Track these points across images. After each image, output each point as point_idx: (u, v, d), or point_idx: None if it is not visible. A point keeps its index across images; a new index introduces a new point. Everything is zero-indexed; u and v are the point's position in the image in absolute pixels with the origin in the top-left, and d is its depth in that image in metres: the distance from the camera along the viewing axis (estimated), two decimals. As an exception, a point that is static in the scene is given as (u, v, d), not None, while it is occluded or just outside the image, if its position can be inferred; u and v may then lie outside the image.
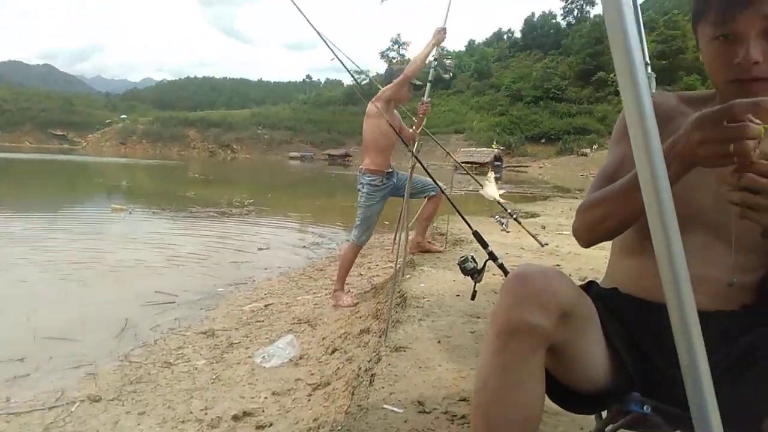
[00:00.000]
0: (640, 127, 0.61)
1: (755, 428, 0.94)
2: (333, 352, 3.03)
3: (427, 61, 3.92)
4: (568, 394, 1.05)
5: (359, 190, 4.15)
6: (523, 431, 0.92)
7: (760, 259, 1.02)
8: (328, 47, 2.17)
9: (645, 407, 1.02)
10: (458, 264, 2.40)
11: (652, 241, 0.68)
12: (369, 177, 4.06)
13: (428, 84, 3.83)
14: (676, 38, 55.64)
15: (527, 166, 51.92)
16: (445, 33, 3.77)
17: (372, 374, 1.93)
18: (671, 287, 0.67)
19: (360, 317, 3.43)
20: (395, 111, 4.26)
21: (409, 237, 4.10)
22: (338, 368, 2.72)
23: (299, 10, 1.98)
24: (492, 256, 2.45)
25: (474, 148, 53.35)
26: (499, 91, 73.58)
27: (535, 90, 68.95)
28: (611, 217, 1.04)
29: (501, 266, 2.40)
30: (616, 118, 1.22)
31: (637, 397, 1.03)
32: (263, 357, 2.99)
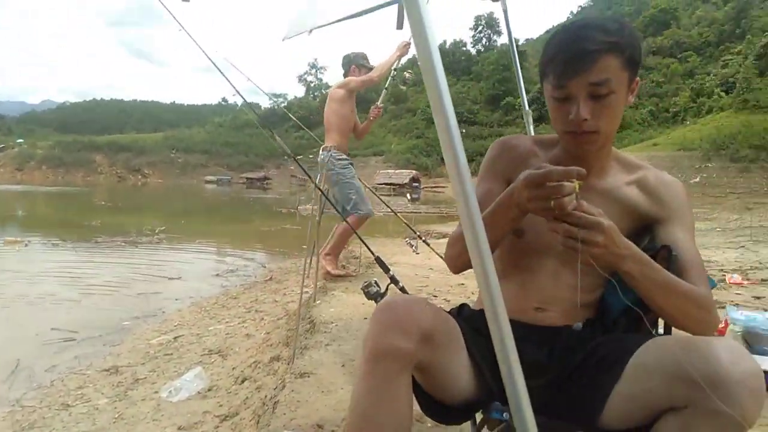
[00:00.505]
0: (455, 167, 0.74)
1: (594, 421, 1.10)
2: (243, 381, 3.02)
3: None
4: (440, 408, 1.17)
5: (330, 170, 4.15)
6: None
7: (597, 281, 1.20)
8: (223, 75, 2.21)
9: (504, 414, 1.16)
10: (362, 289, 2.50)
11: (473, 267, 0.81)
12: (337, 153, 4.16)
13: (384, 91, 3.99)
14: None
15: (444, 187, 53.51)
16: (409, 46, 3.96)
17: (275, 402, 1.97)
18: (490, 307, 0.80)
19: (271, 345, 3.44)
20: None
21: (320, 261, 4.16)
22: (247, 398, 2.72)
23: (191, 37, 2.03)
24: (393, 280, 2.58)
25: (392, 170, 54.41)
26: (415, 114, 75.70)
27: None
28: (466, 252, 1.23)
29: (402, 289, 2.54)
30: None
31: (497, 406, 1.16)
32: (170, 391, 2.93)
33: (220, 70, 2.15)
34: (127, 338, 4.22)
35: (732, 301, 3.84)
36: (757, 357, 2.51)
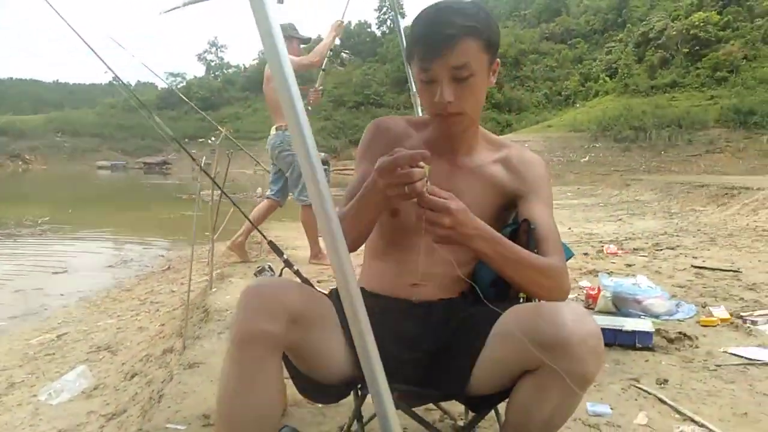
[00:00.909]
0: (306, 157, 0.74)
1: (463, 389, 1.16)
2: (132, 377, 2.87)
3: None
4: (316, 388, 1.19)
5: (285, 150, 4.10)
6: (262, 427, 1.03)
7: (471, 255, 1.26)
8: (101, 60, 2.06)
9: (379, 389, 1.20)
10: (254, 274, 2.46)
11: (327, 250, 0.82)
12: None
13: (321, 72, 3.97)
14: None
15: (353, 169, 53.59)
16: (343, 25, 3.95)
17: (161, 395, 1.90)
18: (343, 284, 0.81)
19: (164, 337, 3.30)
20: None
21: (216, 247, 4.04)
22: (136, 393, 2.59)
23: (54, 10, 1.87)
24: (287, 264, 2.55)
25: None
26: (322, 95, 74.63)
27: (356, 95, 71.38)
28: (348, 234, 1.25)
29: (297, 273, 2.52)
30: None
31: (372, 380, 1.20)
32: (50, 393, 2.72)
33: (87, 44, 1.99)
34: (3, 339, 3.86)
35: (607, 269, 4.21)
36: (621, 317, 2.78)
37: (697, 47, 36.62)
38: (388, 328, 1.26)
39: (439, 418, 1.75)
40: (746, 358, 2.30)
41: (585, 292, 3.32)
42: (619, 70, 42.24)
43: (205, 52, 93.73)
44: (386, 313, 1.26)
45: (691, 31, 37.09)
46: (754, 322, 2.76)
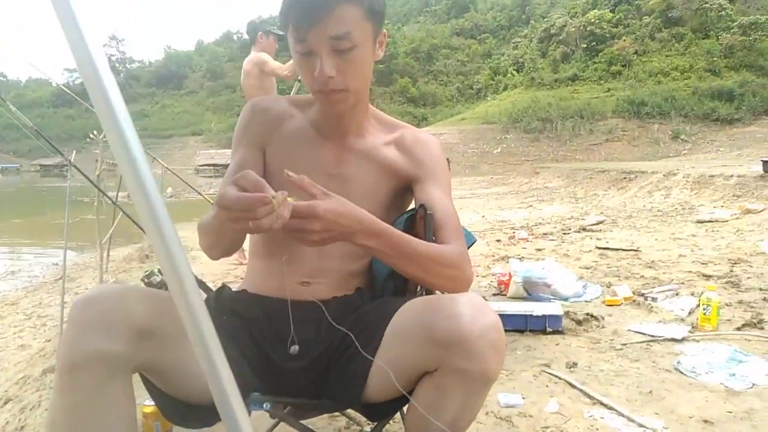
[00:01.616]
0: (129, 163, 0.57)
1: (358, 398, 1.03)
2: (6, 403, 2.52)
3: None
4: (185, 410, 1.00)
5: None
6: None
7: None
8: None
9: (265, 404, 1.04)
10: (141, 279, 2.21)
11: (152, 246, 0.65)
12: None
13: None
14: (389, 45, 62.50)
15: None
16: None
17: (22, 425, 1.63)
18: (179, 292, 0.64)
19: (45, 355, 2.94)
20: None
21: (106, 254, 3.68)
22: (7, 422, 2.26)
23: None
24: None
25: (215, 150, 51.61)
26: (235, 91, 72.43)
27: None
28: (218, 245, 1.11)
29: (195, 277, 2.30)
30: None
31: (257, 397, 1.04)
32: None
33: None
34: None
35: (519, 255, 4.26)
36: (532, 302, 2.78)
37: (594, 43, 38.96)
38: (274, 333, 1.11)
39: (345, 425, 1.62)
40: (648, 335, 2.35)
41: (497, 278, 3.31)
42: (526, 65, 44.12)
43: (104, 45, 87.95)
44: (272, 317, 1.11)
45: (588, 28, 39.42)
46: (654, 299, 2.86)
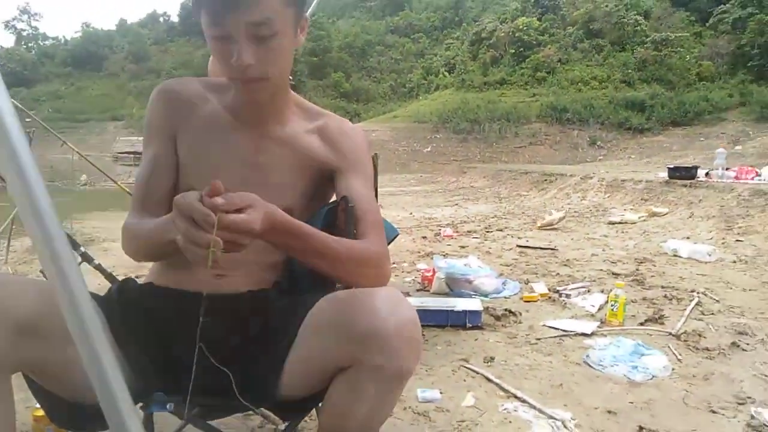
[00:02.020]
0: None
1: (274, 395, 0.98)
2: None
3: None
4: (77, 412, 0.92)
5: None
6: None
7: None
8: None
9: (168, 405, 0.98)
10: (41, 271, 2.03)
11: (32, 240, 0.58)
12: None
13: None
14: (323, 38, 61.98)
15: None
16: None
17: None
18: (63, 293, 0.58)
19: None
20: None
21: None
22: None
23: None
24: (86, 258, 2.17)
25: (136, 137, 49.09)
26: (160, 76, 69.13)
27: (197, 77, 67.40)
28: (149, 254, 1.05)
29: (98, 267, 2.15)
30: None
31: (160, 397, 0.97)
32: None
33: None
34: None
35: (443, 252, 4.33)
36: (454, 298, 2.83)
37: (522, 49, 40.45)
38: (183, 329, 1.04)
39: (258, 424, 1.57)
40: (561, 330, 2.45)
41: (421, 274, 3.35)
42: (457, 66, 45.12)
43: (14, 19, 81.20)
44: (181, 312, 1.04)
45: (516, 34, 40.86)
46: (568, 296, 2.99)
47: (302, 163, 1.12)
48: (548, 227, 5.38)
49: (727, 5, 37.61)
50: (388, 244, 1.35)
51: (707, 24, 38.65)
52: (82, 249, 2.21)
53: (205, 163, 1.09)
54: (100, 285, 2.00)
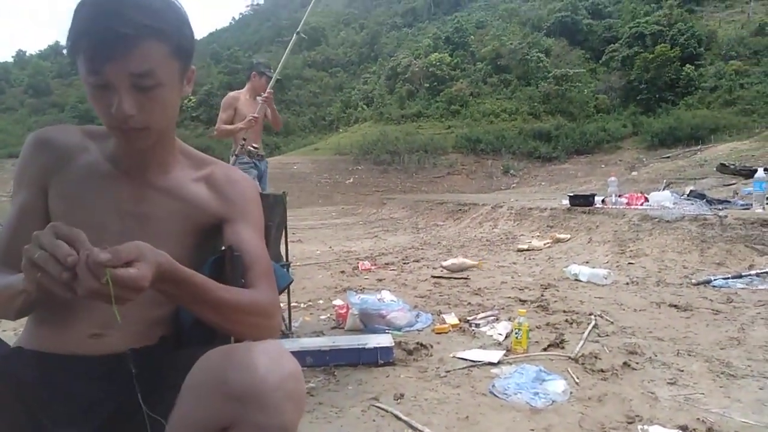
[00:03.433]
0: None
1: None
2: None
3: None
4: None
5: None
6: None
7: None
8: None
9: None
10: None
11: None
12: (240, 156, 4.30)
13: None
14: (239, 71, 61.44)
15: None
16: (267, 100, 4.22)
17: None
18: None
19: None
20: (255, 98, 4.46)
21: None
22: None
23: None
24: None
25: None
26: (63, 111, 65.37)
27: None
28: (8, 309, 0.97)
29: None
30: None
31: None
32: None
33: None
34: None
35: (360, 286, 4.34)
36: (366, 334, 2.83)
37: (436, 83, 42.15)
38: (54, 396, 0.97)
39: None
40: (470, 360, 2.51)
41: (336, 311, 3.33)
42: (375, 100, 46.19)
43: None
44: (54, 376, 0.97)
45: (430, 69, 42.60)
46: (477, 325, 3.08)
47: (188, 213, 1.10)
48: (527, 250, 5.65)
49: (616, 44, 41.29)
50: (282, 291, 1.33)
51: (600, 61, 42.22)
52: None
53: (80, 214, 1.04)
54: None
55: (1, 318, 1.03)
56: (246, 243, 1.09)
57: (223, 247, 1.18)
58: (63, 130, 1.11)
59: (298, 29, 3.96)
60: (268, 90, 4.22)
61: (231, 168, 1.23)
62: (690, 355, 2.49)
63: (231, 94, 4.77)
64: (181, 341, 1.15)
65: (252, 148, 4.36)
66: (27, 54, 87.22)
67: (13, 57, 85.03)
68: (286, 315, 3.08)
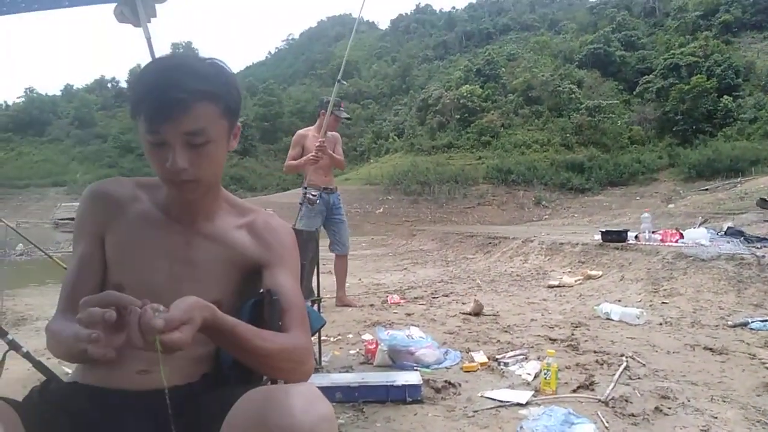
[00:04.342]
0: None
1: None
2: None
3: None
4: None
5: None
6: None
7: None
8: None
9: None
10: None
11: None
12: (310, 187, 4.60)
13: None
14: (274, 104, 63.12)
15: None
16: (322, 150, 4.55)
17: None
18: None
19: None
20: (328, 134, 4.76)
21: None
22: None
23: None
24: (13, 346, 2.10)
25: (78, 203, 47.37)
26: (106, 141, 68.07)
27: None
28: (75, 358, 1.06)
29: (27, 356, 2.08)
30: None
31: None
32: None
33: None
34: None
35: (389, 320, 4.37)
36: (395, 371, 2.86)
37: (467, 114, 42.43)
38: (109, 428, 1.05)
39: None
40: (498, 400, 2.51)
41: (365, 347, 3.37)
42: (405, 131, 46.74)
43: (-48, 83, 79.11)
44: (105, 410, 1.06)
45: (461, 101, 42.94)
46: (506, 364, 3.07)
47: (231, 258, 1.19)
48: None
49: (650, 75, 40.90)
50: (314, 333, 1.41)
51: (634, 93, 41.82)
52: (10, 337, 2.16)
53: (134, 260, 1.14)
54: (29, 370, 1.95)
55: (71, 362, 1.13)
56: (283, 287, 1.17)
57: (261, 290, 1.26)
58: (117, 183, 1.22)
59: (339, 77, 4.18)
60: (320, 139, 4.52)
61: (271, 215, 1.32)
62: (724, 402, 2.44)
63: (300, 131, 5.05)
64: (220, 380, 1.22)
65: (311, 196, 4.63)
66: (74, 87, 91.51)
67: (61, 91, 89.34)
68: (316, 349, 3.14)
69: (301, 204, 4.55)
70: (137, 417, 1.07)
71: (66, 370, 2.62)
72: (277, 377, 1.12)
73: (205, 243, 1.17)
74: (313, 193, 4.62)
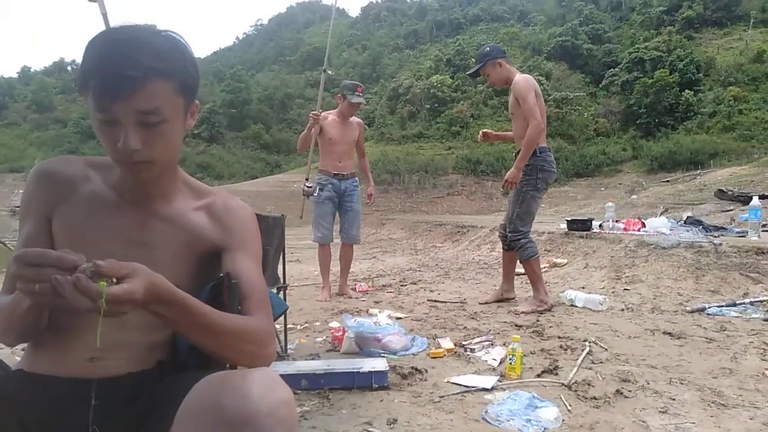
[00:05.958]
0: None
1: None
2: None
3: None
4: None
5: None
6: None
7: None
8: None
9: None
10: None
11: None
12: (319, 174, 4.91)
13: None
14: (241, 90, 62.03)
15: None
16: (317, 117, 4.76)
17: None
18: None
19: None
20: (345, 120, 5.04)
21: None
22: None
23: None
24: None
25: (37, 190, 45.73)
26: (66, 126, 65.86)
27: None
28: (11, 328, 1.01)
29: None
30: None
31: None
32: None
33: None
34: None
35: (356, 308, 4.36)
36: (361, 358, 2.85)
37: (437, 104, 42.63)
38: (56, 418, 1.00)
39: None
40: (464, 386, 2.52)
41: (332, 334, 3.35)
42: (376, 120, 46.59)
43: None
44: (54, 400, 1.01)
45: (431, 90, 43.10)
46: (472, 350, 3.09)
47: (188, 241, 1.14)
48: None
49: (616, 69, 41.73)
50: (277, 318, 1.37)
51: (600, 85, 42.65)
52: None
53: (84, 242, 1.08)
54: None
55: (4, 339, 1.07)
56: (243, 271, 1.14)
57: (221, 275, 1.22)
58: (65, 162, 1.15)
59: (323, 67, 4.20)
60: (316, 110, 4.72)
61: (230, 197, 1.27)
62: (682, 384, 2.51)
63: (322, 113, 5.01)
64: (177, 367, 1.18)
65: (306, 188, 4.77)
66: (32, 70, 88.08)
67: (17, 73, 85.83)
68: (282, 337, 3.10)
69: (304, 196, 4.69)
70: (87, 406, 1.02)
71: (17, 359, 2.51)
72: (236, 362, 1.08)
73: (160, 225, 1.12)
74: (308, 185, 4.64)
